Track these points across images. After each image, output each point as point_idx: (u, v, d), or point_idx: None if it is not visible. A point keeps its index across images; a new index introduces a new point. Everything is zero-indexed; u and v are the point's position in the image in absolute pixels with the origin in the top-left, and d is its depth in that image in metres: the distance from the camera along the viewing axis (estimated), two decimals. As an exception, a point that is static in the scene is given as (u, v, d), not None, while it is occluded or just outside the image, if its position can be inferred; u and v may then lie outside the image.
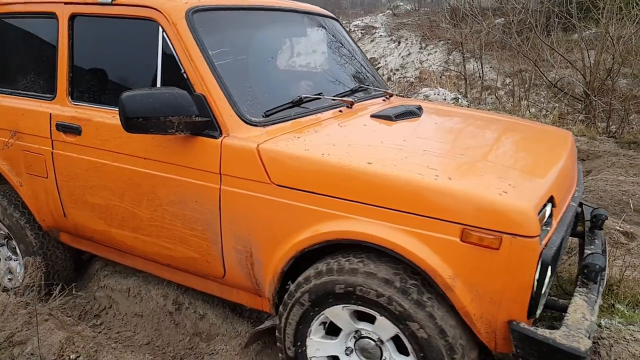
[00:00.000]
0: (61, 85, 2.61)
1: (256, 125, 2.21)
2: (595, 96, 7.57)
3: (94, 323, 3.00)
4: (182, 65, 2.23)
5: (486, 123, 2.80)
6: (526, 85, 8.41)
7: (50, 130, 2.63)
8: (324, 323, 2.10)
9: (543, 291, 1.83)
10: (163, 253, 2.48)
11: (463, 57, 9.66)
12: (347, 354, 2.12)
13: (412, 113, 2.63)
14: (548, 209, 1.92)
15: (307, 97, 2.46)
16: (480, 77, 9.37)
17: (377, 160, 1.96)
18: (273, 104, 2.34)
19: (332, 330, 2.12)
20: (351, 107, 2.65)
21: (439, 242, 1.80)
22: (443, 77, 10.09)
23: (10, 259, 3.23)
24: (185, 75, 2.23)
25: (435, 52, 10.85)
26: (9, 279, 3.23)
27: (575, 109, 8.34)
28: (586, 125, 7.50)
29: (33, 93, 2.75)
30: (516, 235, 1.70)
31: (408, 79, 10.42)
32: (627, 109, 7.31)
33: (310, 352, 2.14)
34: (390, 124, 2.46)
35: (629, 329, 2.45)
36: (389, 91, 3.18)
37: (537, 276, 1.77)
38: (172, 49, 2.25)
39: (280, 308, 2.14)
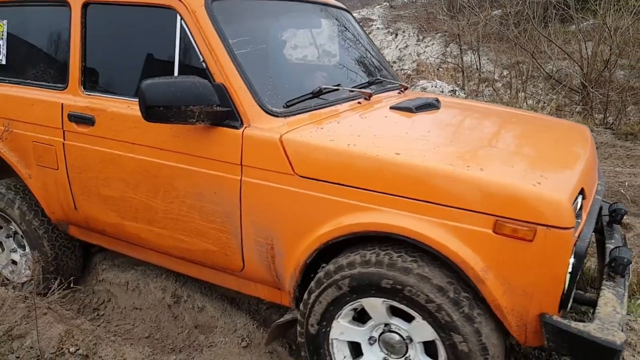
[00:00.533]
0: (73, 75, 2.54)
1: (277, 116, 2.16)
2: (592, 88, 7.59)
3: (93, 317, 2.97)
4: (201, 54, 2.17)
5: (505, 117, 2.77)
6: (523, 77, 8.40)
7: (62, 120, 2.56)
8: (355, 309, 2.05)
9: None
10: (179, 246, 2.43)
11: (460, 49, 9.63)
12: (369, 343, 2.09)
13: (432, 105, 2.59)
14: (579, 200, 1.90)
15: (327, 87, 2.42)
16: (477, 69, 9.35)
17: (405, 151, 1.93)
18: (293, 95, 2.30)
19: (361, 317, 2.08)
20: (369, 99, 2.61)
21: (470, 234, 1.77)
22: (440, 69, 10.06)
23: (15, 251, 3.16)
24: (204, 65, 2.18)
25: (433, 44, 10.82)
26: (10, 270, 3.17)
27: (572, 100, 8.35)
28: (583, 116, 7.52)
29: (43, 83, 2.68)
30: (551, 226, 1.68)
31: (405, 71, 10.38)
32: (624, 100, 7.33)
33: (334, 333, 2.09)
34: (410, 116, 2.43)
35: (628, 319, 2.46)
36: (404, 84, 3.14)
37: (569, 269, 1.75)
38: (191, 38, 2.19)
39: (312, 284, 2.07)
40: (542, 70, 8.20)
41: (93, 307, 3.07)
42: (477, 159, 1.93)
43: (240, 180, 2.13)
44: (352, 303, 1.99)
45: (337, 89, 2.49)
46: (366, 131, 2.14)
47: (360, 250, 1.95)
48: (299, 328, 2.16)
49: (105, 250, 3.26)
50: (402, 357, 2.05)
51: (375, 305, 1.97)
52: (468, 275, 1.79)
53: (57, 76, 2.63)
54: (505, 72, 8.92)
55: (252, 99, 2.14)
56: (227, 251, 2.29)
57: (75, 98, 2.54)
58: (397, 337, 2.03)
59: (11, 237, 3.16)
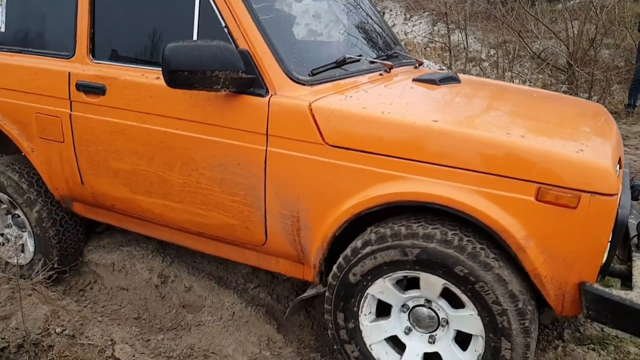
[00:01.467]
0: (81, 42, 2.41)
1: (304, 84, 2.08)
2: (578, 67, 7.65)
3: (78, 298, 2.91)
4: (223, 19, 2.07)
5: (526, 92, 2.75)
6: (510, 57, 8.43)
7: (69, 90, 2.43)
8: (406, 277, 1.98)
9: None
10: (196, 220, 2.35)
11: (448, 28, 9.59)
12: (402, 310, 2.05)
13: (454, 79, 2.55)
14: (617, 169, 1.89)
15: (350, 57, 2.34)
16: (464, 48, 9.34)
17: (442, 119, 1.88)
18: (317, 63, 2.22)
19: (407, 283, 2.04)
20: (389, 72, 2.55)
21: (512, 202, 1.74)
22: (428, 48, 10.02)
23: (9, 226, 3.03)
24: (226, 30, 2.08)
25: (420, 23, 10.77)
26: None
27: (558, 80, 8.41)
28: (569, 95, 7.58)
29: (47, 51, 2.53)
30: (595, 193, 1.66)
31: (392, 50, 10.29)
32: (608, 79, 7.42)
33: (373, 289, 2.01)
34: (435, 88, 2.37)
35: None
36: (419, 59, 3.10)
37: (610, 237, 1.73)
38: (212, 2, 2.09)
39: (373, 237, 1.94)
40: (528, 49, 8.23)
41: (79, 289, 3.00)
42: (515, 127, 1.89)
43: (266, 150, 2.06)
44: (410, 271, 1.92)
45: (359, 60, 2.42)
46: (397, 100, 2.08)
47: (440, 226, 1.86)
48: (334, 271, 2.06)
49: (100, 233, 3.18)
50: (427, 333, 2.03)
51: (433, 283, 1.91)
52: (509, 243, 1.76)
53: (62, 44, 2.48)
54: (492, 52, 8.94)
55: (278, 66, 2.05)
56: (249, 225, 2.21)
57: (84, 67, 2.41)
58: (432, 315, 1.99)
59: (11, 217, 3.03)
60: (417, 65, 3.02)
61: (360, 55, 2.46)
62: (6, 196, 2.85)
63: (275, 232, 2.18)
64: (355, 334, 2.07)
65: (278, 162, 2.05)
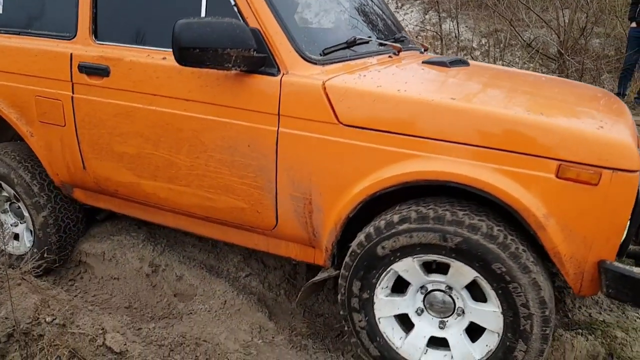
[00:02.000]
0: (83, 23, 2.34)
1: (315, 64, 2.04)
2: (568, 55, 7.67)
3: (69, 287, 2.87)
4: (232, -4, 2.02)
5: (534, 76, 2.74)
6: (501, 45, 8.42)
7: (71, 72, 2.36)
8: (436, 261, 1.94)
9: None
10: (203, 204, 2.30)
11: (439, 16, 9.55)
12: (420, 292, 2.02)
13: (463, 62, 2.53)
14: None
15: (360, 38, 2.31)
16: (456, 37, 9.32)
17: (460, 97, 1.85)
18: (327, 43, 2.18)
19: (431, 267, 2.00)
20: (398, 54, 2.52)
21: (532, 180, 1.72)
22: (419, 37, 9.97)
23: (11, 217, 2.96)
24: (235, 9, 2.04)
25: (412, 11, 10.72)
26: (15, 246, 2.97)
27: (549, 68, 8.43)
28: (561, 85, 7.60)
29: (47, 32, 2.46)
30: (617, 169, 1.64)
31: (384, 40, 10.25)
32: (598, 68, 7.46)
33: (398, 266, 1.97)
34: (446, 70, 2.34)
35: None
36: (425, 45, 3.08)
37: (630, 215, 1.72)
38: (221, -22, 2.03)
39: (413, 216, 1.87)
40: (520, 38, 8.24)
41: (69, 278, 2.96)
42: (533, 105, 1.87)
43: (277, 131, 2.01)
44: (443, 257, 1.87)
45: (369, 41, 2.39)
46: (411, 79, 2.05)
47: (486, 219, 1.81)
48: (361, 239, 1.99)
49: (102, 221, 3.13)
50: (439, 317, 2.01)
51: (464, 273, 1.87)
52: (529, 222, 1.74)
53: (63, 25, 2.41)
54: (483, 40, 8.93)
55: (289, 45, 2.01)
56: (259, 208, 2.17)
57: (86, 48, 2.34)
58: (448, 301, 1.97)
59: (9, 208, 2.95)
60: (422, 50, 3.00)
61: (369, 37, 2.42)
62: (12, 191, 2.78)
63: (286, 215, 2.14)
64: (367, 305, 2.03)
65: (290, 143, 2.01)
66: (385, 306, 2.03)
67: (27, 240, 2.89)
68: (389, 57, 2.44)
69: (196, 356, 2.27)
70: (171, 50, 2.10)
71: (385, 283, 1.99)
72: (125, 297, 2.72)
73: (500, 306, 1.84)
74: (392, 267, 1.95)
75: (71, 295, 2.68)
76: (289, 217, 2.14)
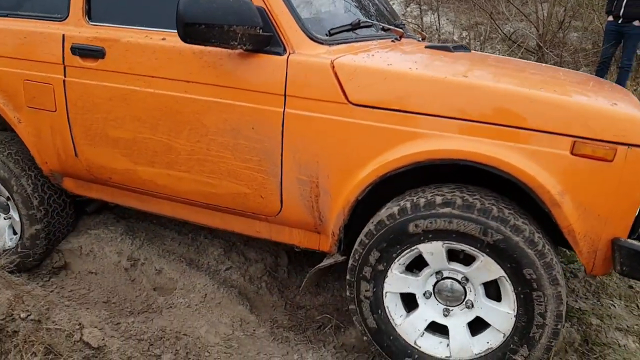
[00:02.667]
0: (75, 4, 2.25)
1: (322, 43, 2.00)
2: (547, 49, 7.78)
3: (44, 283, 2.78)
4: (235, -26, 1.96)
5: (530, 63, 2.74)
6: (482, 38, 8.51)
7: (63, 54, 2.27)
8: (464, 251, 1.89)
9: None
10: (204, 191, 2.23)
11: (420, 9, 9.61)
12: (437, 277, 1.99)
13: (464, 48, 2.53)
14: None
15: (365, 20, 2.27)
16: (437, 30, 9.38)
17: (472, 75, 1.82)
18: (332, 24, 2.14)
19: (457, 256, 1.96)
20: (399, 40, 2.49)
21: (547, 157, 1.71)
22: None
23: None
24: (238, -13, 1.97)
25: (393, 4, 10.74)
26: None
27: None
28: (540, 77, 7.71)
29: (37, 14, 2.35)
30: (632, 145, 1.64)
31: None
32: (576, 61, 7.58)
33: (426, 247, 1.92)
34: (449, 54, 2.32)
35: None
36: (423, 33, 3.07)
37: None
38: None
39: (459, 201, 1.82)
40: (500, 31, 8.33)
41: (44, 273, 2.87)
42: (545, 85, 1.86)
43: (283, 112, 1.96)
44: (475, 250, 1.83)
45: (373, 24, 2.36)
46: (419, 60, 2.02)
47: (529, 224, 1.78)
48: (393, 212, 1.90)
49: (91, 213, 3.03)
50: (445, 305, 2.00)
51: (490, 270, 1.84)
52: (544, 199, 1.73)
53: (54, 5, 2.31)
54: (464, 33, 9.00)
55: (295, 24, 1.96)
56: (263, 193, 2.12)
57: (79, 29, 2.25)
58: (458, 291, 1.96)
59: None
60: (420, 39, 2.99)
61: (372, 21, 2.39)
62: (7, 194, 2.66)
63: (291, 200, 2.09)
64: (379, 277, 1.98)
65: (297, 124, 1.96)
66: (397, 282, 1.98)
67: (7, 239, 2.78)
68: (392, 41, 2.42)
69: (176, 350, 2.23)
70: (170, 31, 2.05)
71: (404, 260, 1.95)
72: (103, 291, 2.66)
73: (515, 309, 1.84)
74: (418, 246, 1.90)
75: (47, 290, 2.61)
76: (294, 202, 2.09)
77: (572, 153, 1.69)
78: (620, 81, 6.41)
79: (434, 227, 1.83)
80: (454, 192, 1.85)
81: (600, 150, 1.66)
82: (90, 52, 2.21)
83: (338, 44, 2.08)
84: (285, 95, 1.95)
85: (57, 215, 2.72)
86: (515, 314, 1.84)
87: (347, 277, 2.05)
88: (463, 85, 1.77)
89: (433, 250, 1.89)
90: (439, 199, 1.83)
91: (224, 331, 2.35)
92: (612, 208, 1.71)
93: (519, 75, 2.04)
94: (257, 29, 1.88)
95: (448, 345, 1.99)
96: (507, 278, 1.81)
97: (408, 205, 1.87)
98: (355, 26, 2.21)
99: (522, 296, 1.81)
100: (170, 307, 2.51)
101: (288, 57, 1.93)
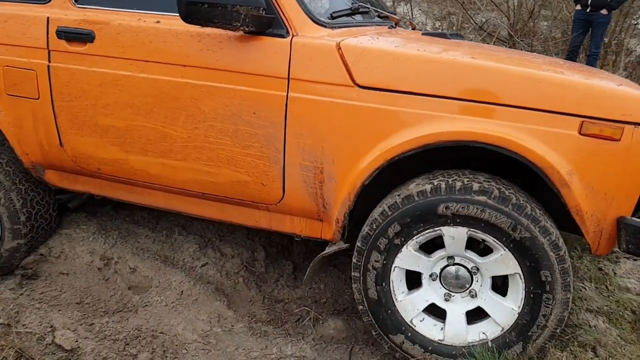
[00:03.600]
0: None
1: (325, 26, 1.96)
2: (518, 38, 7.92)
3: (13, 286, 2.66)
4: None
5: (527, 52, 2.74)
6: (454, 28, 8.60)
7: (47, 38, 2.15)
8: (483, 241, 1.89)
9: None
10: (201, 180, 2.16)
11: (393, 0, 9.65)
12: (447, 261, 1.99)
13: (459, 36, 2.53)
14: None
15: (364, 6, 2.25)
16: (410, 20, 9.44)
17: (480, 57, 1.82)
18: (333, 7, 2.11)
19: (477, 246, 1.95)
20: (395, 27, 2.48)
21: (556, 137, 1.72)
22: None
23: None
24: (240, -33, 1.90)
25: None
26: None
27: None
28: (511, 66, 7.85)
29: (15, -5, 2.22)
30: (638, 124, 1.66)
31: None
32: (546, 49, 7.75)
33: (448, 231, 1.89)
34: (448, 41, 2.31)
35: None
36: (413, 23, 3.07)
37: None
38: None
39: (475, 185, 1.81)
40: (472, 21, 8.43)
41: (13, 276, 2.74)
42: (549, 66, 1.87)
43: (287, 96, 1.91)
44: (499, 243, 1.82)
45: (370, 11, 2.33)
46: (423, 44, 2.00)
47: (555, 229, 1.80)
48: (425, 189, 1.86)
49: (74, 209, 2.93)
50: (446, 289, 2.00)
51: (507, 265, 1.85)
52: (553, 179, 1.74)
53: (36, -14, 2.19)
54: (437, 24, 9.07)
55: (298, 6, 1.92)
56: (264, 180, 2.06)
57: (65, 11, 2.13)
58: (463, 278, 1.96)
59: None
60: (411, 28, 2.98)
61: (370, 8, 2.37)
62: None
63: (294, 187, 2.05)
64: (393, 251, 1.95)
65: (301, 108, 1.91)
66: (408, 259, 1.96)
67: None
68: (388, 28, 2.40)
69: (153, 349, 2.19)
70: (165, 13, 1.97)
71: (422, 238, 1.92)
72: (75, 292, 2.57)
73: (520, 306, 1.86)
74: (442, 228, 1.87)
75: (16, 293, 2.51)
76: (297, 189, 2.05)
77: (580, 133, 1.70)
78: (588, 69, 6.58)
79: (465, 213, 1.81)
80: (490, 182, 1.84)
81: (607, 129, 1.68)
82: (78, 36, 2.10)
83: (341, 27, 2.05)
84: (288, 79, 1.90)
85: (42, 229, 2.64)
86: (519, 311, 1.87)
87: (358, 244, 2.00)
88: (472, 67, 1.76)
89: (455, 235, 1.87)
90: (476, 186, 1.81)
91: (202, 328, 2.33)
92: (618, 187, 1.74)
93: (522, 59, 2.05)
94: (260, 9, 1.82)
95: (442, 329, 2.00)
96: (522, 276, 1.83)
97: (443, 185, 1.83)
98: (355, 11, 2.19)
99: (531, 295, 1.83)
100: (146, 305, 2.46)
101: (292, 39, 1.88)
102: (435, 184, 1.84)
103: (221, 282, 2.66)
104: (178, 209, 2.39)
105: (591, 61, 6.56)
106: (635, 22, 7.77)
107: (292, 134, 1.95)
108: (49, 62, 2.17)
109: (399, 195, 1.89)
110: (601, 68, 7.14)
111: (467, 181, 1.82)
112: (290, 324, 2.45)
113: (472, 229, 1.83)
